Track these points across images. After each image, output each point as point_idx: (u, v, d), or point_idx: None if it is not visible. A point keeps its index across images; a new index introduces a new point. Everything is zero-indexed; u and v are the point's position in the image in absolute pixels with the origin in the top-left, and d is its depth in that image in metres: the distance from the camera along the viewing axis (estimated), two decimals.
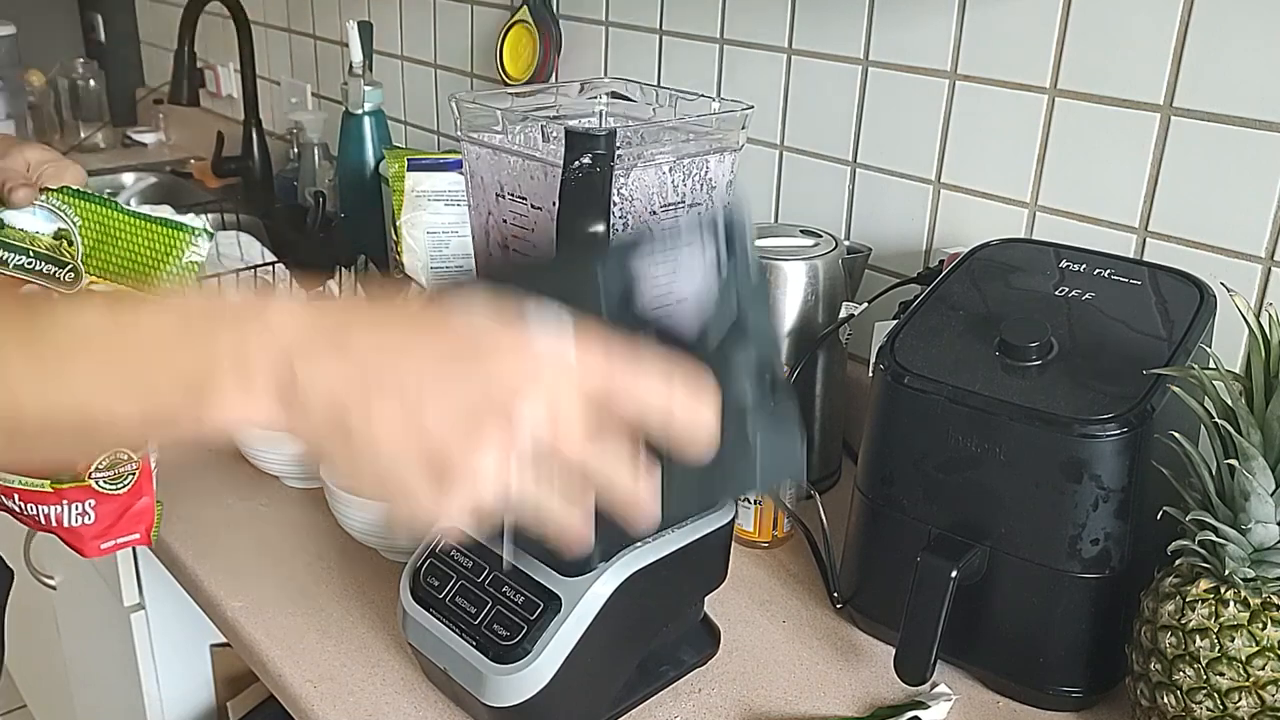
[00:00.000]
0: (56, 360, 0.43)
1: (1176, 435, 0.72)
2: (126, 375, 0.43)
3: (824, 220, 1.24)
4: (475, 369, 0.43)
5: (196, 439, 0.45)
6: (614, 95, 0.81)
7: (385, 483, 0.43)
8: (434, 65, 1.83)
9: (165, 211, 0.90)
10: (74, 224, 0.81)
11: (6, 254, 0.84)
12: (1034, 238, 1.08)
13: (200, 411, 0.43)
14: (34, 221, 0.84)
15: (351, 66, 1.67)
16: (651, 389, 0.46)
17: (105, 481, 0.92)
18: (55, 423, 0.44)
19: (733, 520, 0.83)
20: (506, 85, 1.60)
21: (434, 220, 1.37)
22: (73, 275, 0.83)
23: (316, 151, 1.88)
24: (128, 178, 2.13)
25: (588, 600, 0.73)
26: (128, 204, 0.85)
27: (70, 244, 0.82)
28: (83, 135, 2.40)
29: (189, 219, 0.89)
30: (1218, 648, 0.70)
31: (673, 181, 0.69)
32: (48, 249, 0.83)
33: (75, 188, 0.86)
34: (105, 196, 0.86)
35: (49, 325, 0.44)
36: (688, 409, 0.46)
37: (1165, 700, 0.72)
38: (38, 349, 0.44)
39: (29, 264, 0.84)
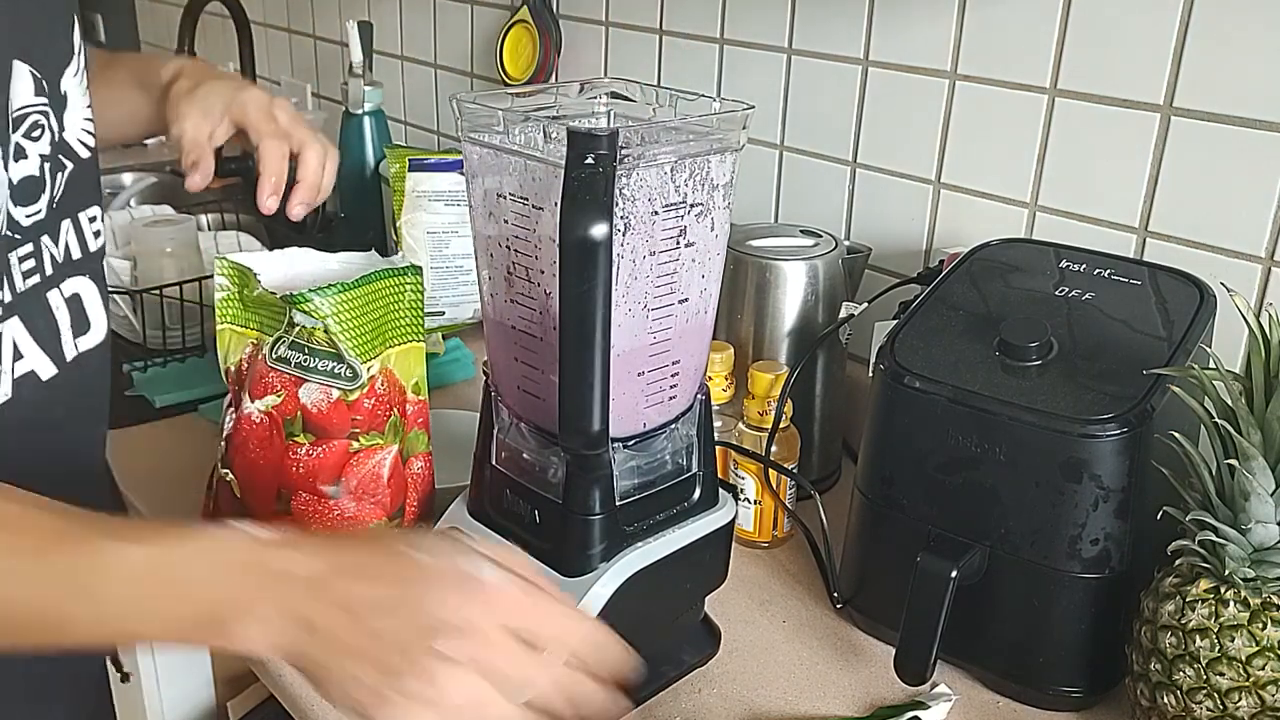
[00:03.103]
0: (103, 599, 0.51)
1: (1176, 435, 0.72)
2: (158, 611, 0.52)
3: (824, 220, 1.24)
4: (422, 594, 0.53)
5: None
6: (614, 95, 0.81)
7: (350, 692, 0.52)
8: (434, 65, 1.83)
9: (368, 260, 0.89)
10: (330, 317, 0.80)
11: (291, 353, 0.83)
12: (1034, 238, 1.08)
13: (213, 642, 0.53)
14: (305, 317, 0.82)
15: (351, 66, 1.67)
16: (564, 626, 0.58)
17: None
18: (86, 640, 0.53)
19: (733, 520, 0.83)
20: (506, 85, 1.60)
21: (434, 220, 1.37)
22: (350, 373, 0.81)
23: None
24: (127, 178, 2.12)
25: (589, 601, 0.73)
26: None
27: (327, 331, 0.81)
28: None
29: (393, 262, 0.87)
30: (1218, 648, 0.70)
31: (674, 182, 0.70)
32: (325, 344, 0.82)
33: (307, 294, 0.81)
34: (341, 285, 0.82)
35: (97, 564, 0.52)
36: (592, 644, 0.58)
37: (1165, 700, 0.72)
38: (87, 586, 0.51)
39: (306, 362, 0.83)
